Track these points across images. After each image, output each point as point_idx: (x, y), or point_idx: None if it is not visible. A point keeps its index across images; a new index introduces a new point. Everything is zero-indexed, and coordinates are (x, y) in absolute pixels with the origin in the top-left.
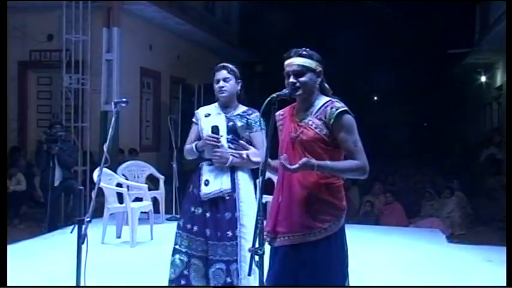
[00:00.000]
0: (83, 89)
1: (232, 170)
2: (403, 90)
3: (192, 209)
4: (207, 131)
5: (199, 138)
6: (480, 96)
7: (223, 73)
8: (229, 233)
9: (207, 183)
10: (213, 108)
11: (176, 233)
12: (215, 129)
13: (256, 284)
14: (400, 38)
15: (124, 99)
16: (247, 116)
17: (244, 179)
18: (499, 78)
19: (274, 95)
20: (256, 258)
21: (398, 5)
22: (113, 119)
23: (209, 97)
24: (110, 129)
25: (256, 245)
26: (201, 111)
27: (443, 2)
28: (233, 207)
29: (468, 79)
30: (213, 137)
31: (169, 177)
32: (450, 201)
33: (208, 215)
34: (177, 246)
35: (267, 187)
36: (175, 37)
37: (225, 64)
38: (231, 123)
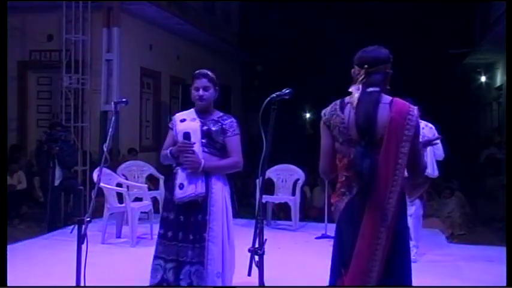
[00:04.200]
0: (83, 89)
1: (207, 174)
2: (403, 90)
3: (165, 214)
4: (181, 137)
5: (175, 143)
6: (480, 96)
7: (204, 81)
8: (198, 236)
9: (181, 186)
10: (189, 113)
11: (156, 239)
12: (187, 136)
13: (256, 284)
14: (400, 38)
15: (124, 99)
16: (222, 122)
17: (217, 184)
18: (499, 78)
19: (274, 95)
20: (256, 258)
21: (399, 5)
22: (113, 119)
23: None
24: (110, 129)
25: (256, 245)
26: (177, 117)
27: (444, 2)
28: (205, 210)
29: (468, 79)
30: (185, 144)
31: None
32: (450, 201)
33: (182, 218)
34: (155, 253)
35: (266, 187)
36: (175, 37)
37: (206, 72)
38: (205, 128)
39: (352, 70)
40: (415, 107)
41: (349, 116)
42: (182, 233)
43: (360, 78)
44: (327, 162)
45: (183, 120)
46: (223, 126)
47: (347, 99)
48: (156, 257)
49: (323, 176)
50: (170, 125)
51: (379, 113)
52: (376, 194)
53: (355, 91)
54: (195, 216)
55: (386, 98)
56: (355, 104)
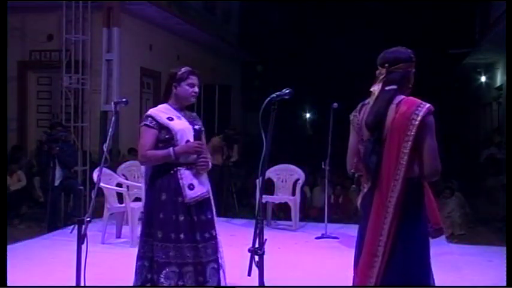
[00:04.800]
0: (83, 89)
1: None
2: None
3: (174, 217)
4: (181, 136)
5: (156, 143)
6: (480, 96)
7: (196, 79)
8: (213, 232)
9: (191, 187)
10: (168, 110)
11: (157, 245)
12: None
13: (256, 284)
14: (400, 37)
15: (124, 99)
16: (199, 120)
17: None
18: (499, 78)
19: (274, 95)
20: (256, 258)
21: (398, 5)
22: (113, 119)
23: (209, 97)
24: (110, 129)
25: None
26: (160, 115)
27: (443, 2)
28: (210, 207)
29: (468, 79)
30: (200, 144)
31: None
32: (450, 201)
33: (195, 219)
34: (162, 260)
35: (266, 187)
36: (175, 37)
37: (196, 71)
38: (197, 127)
39: (377, 71)
40: (426, 106)
41: (362, 116)
42: (199, 233)
43: (381, 77)
44: (351, 160)
45: (171, 119)
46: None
47: (367, 100)
48: (168, 264)
49: (349, 173)
50: (150, 123)
51: (388, 114)
52: (379, 191)
53: (376, 90)
54: (205, 214)
55: (397, 98)
56: (372, 102)
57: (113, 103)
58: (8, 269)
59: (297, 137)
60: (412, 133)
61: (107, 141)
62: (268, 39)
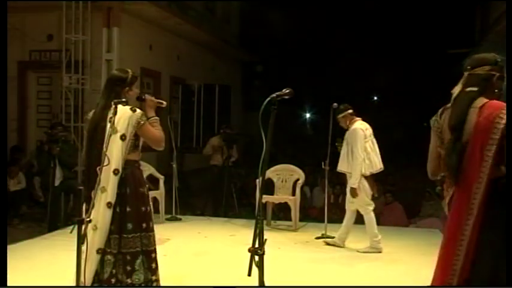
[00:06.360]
0: (82, 89)
1: None
2: (403, 90)
3: (149, 208)
4: None
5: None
6: None
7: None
8: None
9: None
10: None
11: (144, 235)
12: None
13: (256, 284)
14: (400, 37)
15: (124, 99)
16: None
17: None
18: None
19: (274, 95)
20: (256, 258)
21: (399, 5)
22: (113, 119)
23: (209, 97)
24: (110, 129)
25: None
26: None
27: (444, 2)
28: None
29: None
30: None
31: (169, 177)
32: None
33: None
34: (138, 249)
35: (266, 187)
36: (175, 37)
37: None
38: None
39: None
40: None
41: (443, 121)
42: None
43: (462, 80)
44: (432, 164)
45: None
46: None
47: (448, 105)
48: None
49: (431, 177)
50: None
51: (468, 117)
52: (462, 193)
53: (455, 92)
54: None
55: (480, 101)
56: (451, 104)
57: (112, 103)
58: (8, 269)
59: (297, 137)
60: (497, 136)
61: (107, 141)
62: (268, 39)
